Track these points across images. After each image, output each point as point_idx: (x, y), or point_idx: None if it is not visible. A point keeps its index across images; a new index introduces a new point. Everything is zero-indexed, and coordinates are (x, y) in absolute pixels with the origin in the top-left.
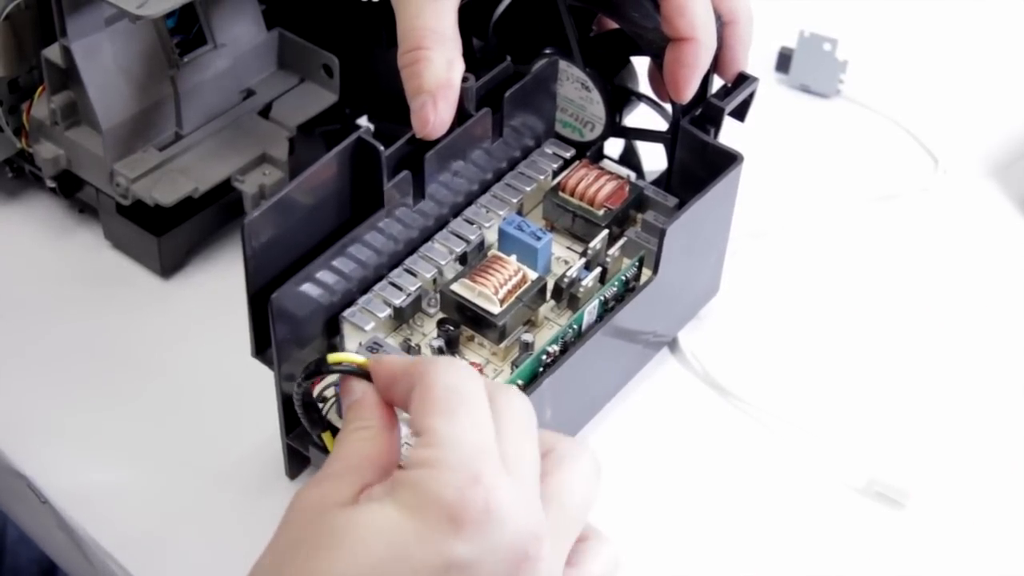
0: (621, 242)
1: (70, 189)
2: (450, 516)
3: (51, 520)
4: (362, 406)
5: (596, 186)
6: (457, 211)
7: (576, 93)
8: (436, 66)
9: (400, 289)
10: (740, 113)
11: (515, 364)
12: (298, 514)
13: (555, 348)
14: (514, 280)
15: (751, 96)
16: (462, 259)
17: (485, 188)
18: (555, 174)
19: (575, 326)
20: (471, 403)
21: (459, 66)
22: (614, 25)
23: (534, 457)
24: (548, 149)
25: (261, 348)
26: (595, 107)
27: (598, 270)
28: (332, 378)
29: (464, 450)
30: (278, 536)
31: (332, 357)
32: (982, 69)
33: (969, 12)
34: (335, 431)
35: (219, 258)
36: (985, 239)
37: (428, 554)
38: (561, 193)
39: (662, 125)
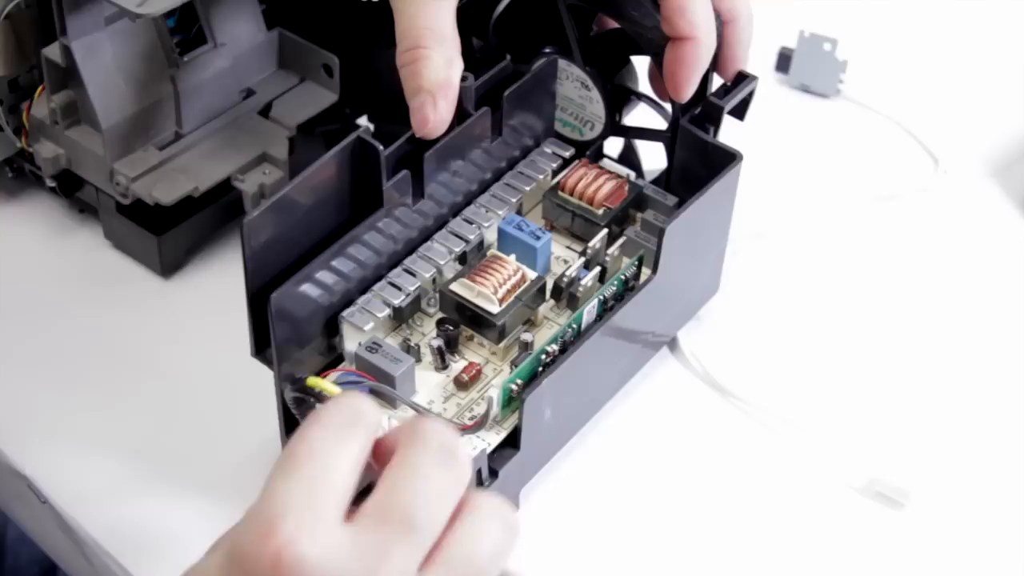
0: (620, 241)
1: (70, 188)
2: (248, 571)
3: (51, 520)
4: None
5: (595, 185)
6: (456, 211)
7: (576, 92)
8: (435, 65)
9: (399, 289)
10: (740, 112)
11: (514, 364)
12: None
13: (554, 347)
14: (513, 280)
15: (751, 95)
16: (461, 259)
17: (484, 188)
18: (554, 173)
19: (574, 325)
20: (314, 460)
21: (458, 65)
22: (614, 24)
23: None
24: (547, 148)
25: (261, 348)
26: (595, 106)
27: (597, 269)
28: (331, 377)
29: (274, 503)
30: None
31: (311, 381)
32: (982, 69)
33: (969, 12)
34: None
35: (219, 258)
36: (985, 239)
37: None
38: (560, 192)
39: (662, 125)
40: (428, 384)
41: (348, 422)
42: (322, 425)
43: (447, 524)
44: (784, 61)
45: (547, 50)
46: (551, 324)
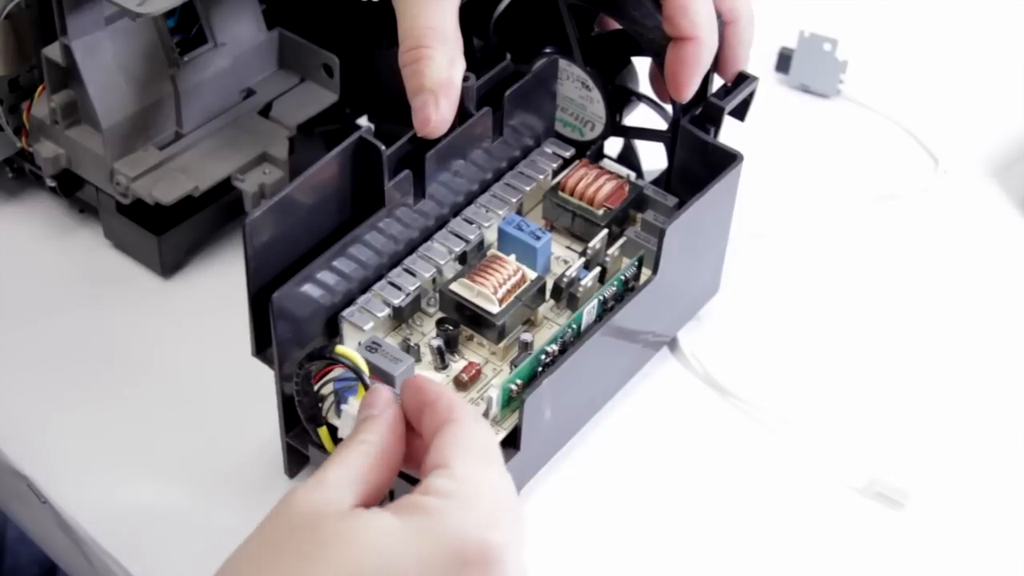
0: (621, 242)
1: (70, 188)
2: (461, 553)
3: (51, 520)
4: (378, 422)
5: (596, 186)
6: (457, 210)
7: (576, 92)
8: (438, 65)
9: (399, 289)
10: (740, 112)
11: (514, 364)
12: (290, 516)
13: (554, 348)
14: (513, 280)
15: (751, 95)
16: (461, 259)
17: (485, 187)
18: (555, 173)
19: (574, 326)
20: (501, 463)
21: (460, 65)
22: (616, 25)
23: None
24: (548, 148)
25: (261, 347)
26: (595, 106)
27: (597, 270)
28: (331, 376)
29: (493, 498)
30: (266, 532)
31: (340, 349)
32: (982, 69)
33: (969, 12)
34: (331, 429)
35: (219, 257)
36: (985, 239)
37: None
38: (561, 193)
39: (662, 125)
40: None
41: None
42: (478, 418)
43: None
44: (784, 61)
45: (548, 50)
46: (551, 324)
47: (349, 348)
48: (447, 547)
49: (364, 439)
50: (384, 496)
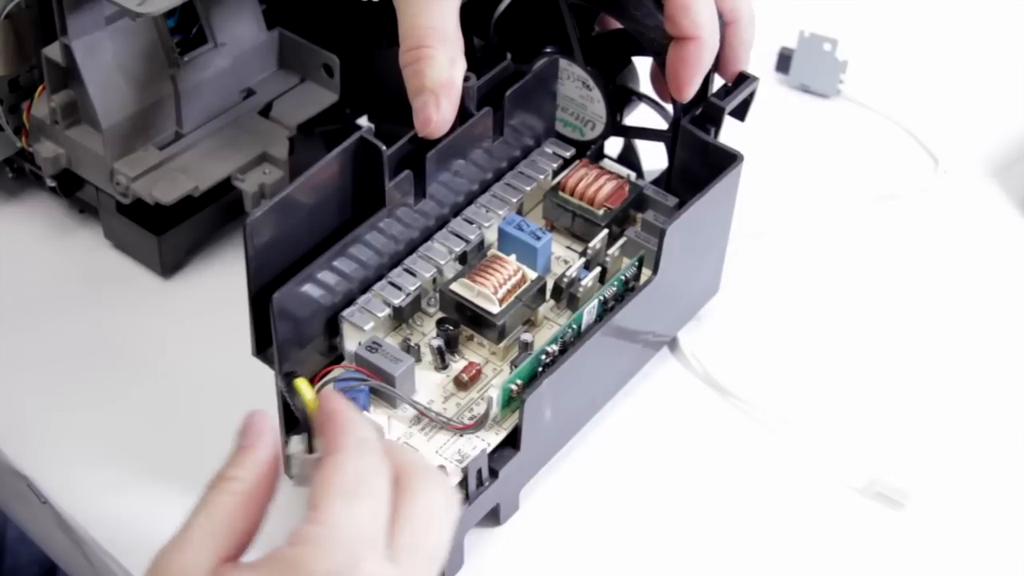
0: (621, 242)
1: (70, 188)
2: None
3: (51, 520)
4: (248, 456)
5: (596, 186)
6: (457, 210)
7: (577, 92)
8: (439, 65)
9: (399, 289)
10: (740, 113)
11: (514, 364)
12: (157, 570)
13: (554, 348)
14: (513, 280)
15: (751, 95)
16: (462, 259)
17: (485, 187)
18: (555, 173)
19: (574, 326)
20: (374, 492)
21: (461, 65)
22: (617, 25)
23: (430, 552)
24: (548, 148)
25: (262, 347)
26: (596, 106)
27: (598, 270)
28: (331, 376)
29: (351, 535)
30: None
31: (298, 383)
32: (982, 69)
33: (969, 12)
34: None
35: (219, 257)
36: (985, 239)
37: None
38: (561, 193)
39: (663, 125)
40: (428, 384)
41: (378, 450)
42: (364, 449)
43: None
44: (784, 61)
45: (548, 50)
46: (551, 324)
47: (305, 384)
48: None
49: (232, 475)
50: (253, 538)
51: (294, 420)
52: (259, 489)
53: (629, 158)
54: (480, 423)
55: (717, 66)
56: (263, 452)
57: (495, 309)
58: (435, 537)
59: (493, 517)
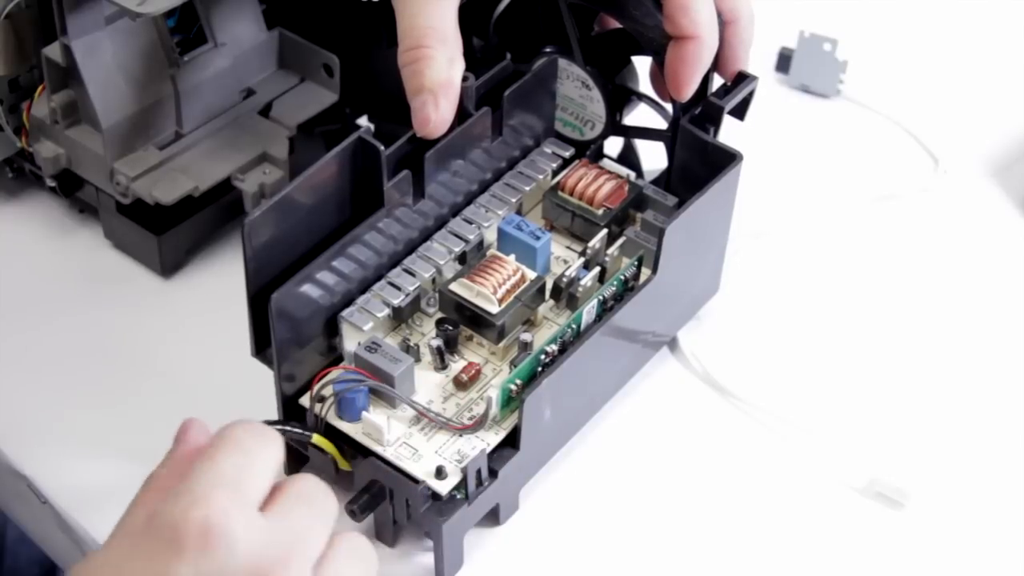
0: (620, 241)
1: (70, 188)
2: (171, 537)
3: (51, 520)
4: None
5: (595, 185)
6: (456, 211)
7: (576, 92)
8: (437, 65)
9: (399, 289)
10: (740, 112)
11: (514, 364)
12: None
13: (554, 348)
14: (513, 280)
15: (751, 95)
16: (461, 259)
17: (484, 187)
18: (554, 173)
19: (574, 326)
20: (237, 449)
21: (460, 65)
22: (616, 24)
23: (299, 529)
24: (547, 148)
25: (261, 348)
26: (595, 106)
27: (597, 269)
28: (329, 378)
29: (203, 480)
30: None
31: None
32: (982, 69)
33: (969, 12)
34: (331, 432)
35: (219, 257)
36: (985, 239)
37: None
38: (560, 192)
39: (662, 125)
40: (427, 384)
41: (265, 432)
42: (244, 428)
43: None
44: (784, 61)
45: (548, 49)
46: (551, 324)
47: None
48: (157, 538)
49: (155, 474)
50: None
51: (295, 419)
52: (167, 476)
53: (628, 158)
54: (480, 423)
55: (716, 65)
56: (181, 448)
57: (494, 309)
58: (304, 516)
59: (493, 517)
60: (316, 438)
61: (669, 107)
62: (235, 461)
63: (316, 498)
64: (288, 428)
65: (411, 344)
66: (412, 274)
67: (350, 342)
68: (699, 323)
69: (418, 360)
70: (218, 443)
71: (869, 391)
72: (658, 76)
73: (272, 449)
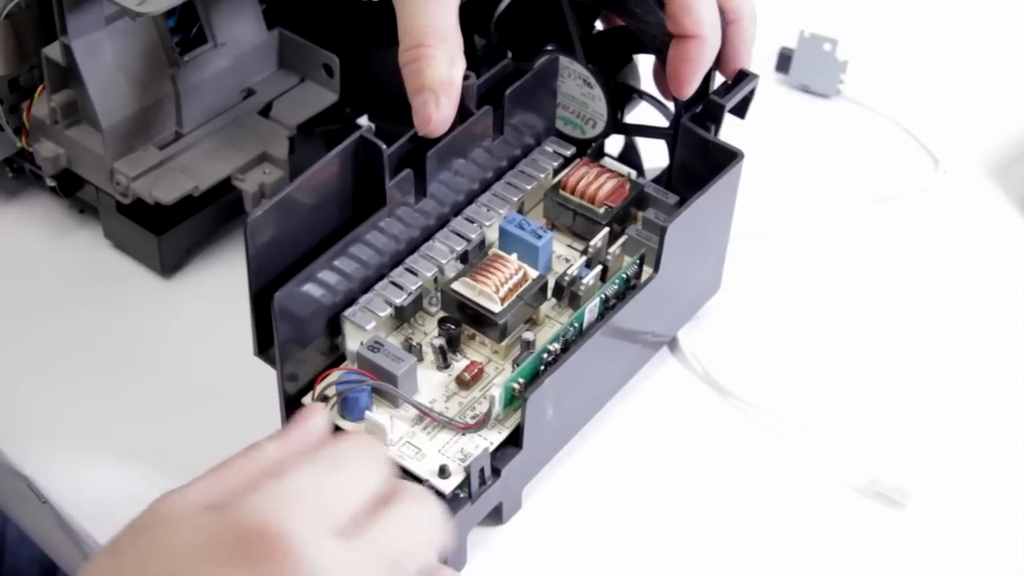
0: (622, 240)
1: (70, 188)
2: (240, 541)
3: (51, 520)
4: (286, 435)
5: (597, 184)
6: (458, 210)
7: (578, 90)
8: (438, 63)
9: (401, 288)
10: (741, 110)
11: (516, 363)
12: (149, 510)
13: (556, 346)
14: (515, 278)
15: (751, 93)
16: (463, 258)
17: (486, 186)
18: (556, 172)
19: (576, 324)
20: (349, 472)
21: (461, 63)
22: (619, 22)
23: (391, 556)
24: (548, 147)
25: (263, 347)
26: (597, 104)
27: (599, 268)
28: (332, 377)
29: (301, 492)
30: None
31: None
32: (982, 69)
33: (969, 12)
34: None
35: (219, 257)
36: (985, 239)
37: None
38: (562, 191)
39: (663, 123)
40: (430, 383)
41: (375, 454)
42: (354, 444)
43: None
44: (784, 61)
45: (549, 47)
46: (553, 323)
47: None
48: (227, 533)
49: (262, 446)
50: None
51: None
52: (274, 452)
53: (630, 156)
54: (482, 422)
55: (718, 64)
56: (298, 433)
57: (497, 308)
58: (401, 545)
59: (496, 516)
60: None
61: (670, 105)
62: (333, 480)
63: (418, 525)
64: None
65: (413, 343)
66: (414, 273)
67: (352, 341)
68: (699, 323)
69: (421, 359)
70: (323, 453)
71: (869, 391)
72: (660, 74)
73: (376, 470)
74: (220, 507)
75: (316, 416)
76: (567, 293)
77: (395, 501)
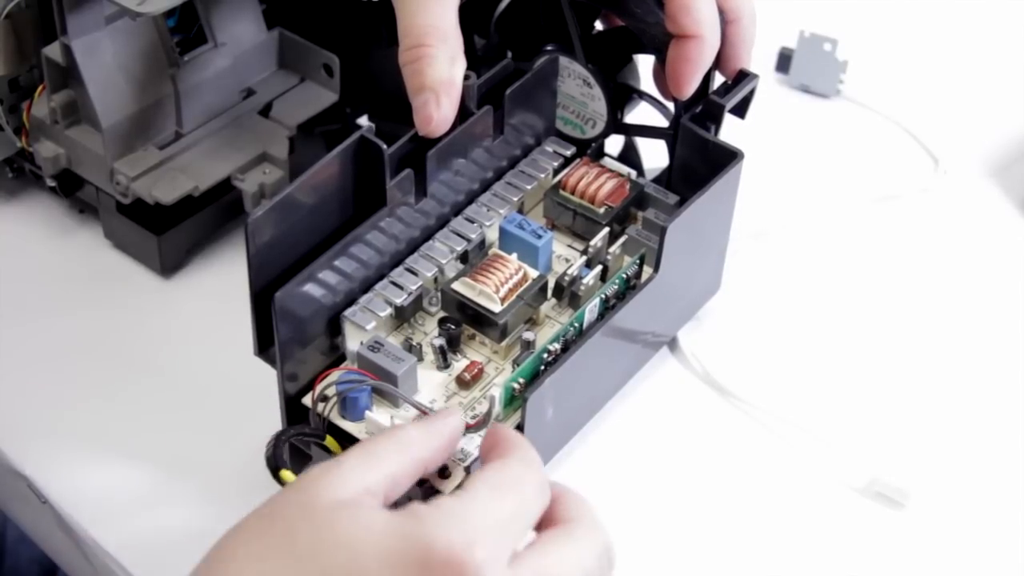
0: (622, 240)
1: (70, 188)
2: (423, 561)
3: (51, 520)
4: (431, 421)
5: (597, 184)
6: (458, 209)
7: (578, 90)
8: (439, 63)
9: (401, 288)
10: (740, 110)
11: (516, 363)
12: (298, 490)
13: (556, 346)
14: (515, 278)
15: (751, 93)
16: (463, 258)
17: (486, 186)
18: (556, 172)
19: (576, 324)
20: (524, 498)
21: (461, 63)
22: (618, 22)
23: None
24: (549, 147)
25: (264, 347)
26: (597, 104)
27: (599, 268)
28: (332, 377)
29: (481, 520)
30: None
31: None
32: (982, 69)
33: (969, 12)
34: (336, 432)
35: (219, 257)
36: (985, 239)
37: None
38: (562, 191)
39: (663, 124)
40: (430, 383)
41: (545, 480)
42: (529, 466)
43: None
44: (784, 61)
45: (549, 48)
46: (553, 323)
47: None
48: (412, 550)
49: (405, 428)
50: (404, 488)
51: (296, 419)
52: (422, 448)
53: (629, 156)
54: (482, 422)
55: (718, 64)
56: (441, 426)
57: (497, 308)
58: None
59: None
60: (328, 440)
61: (670, 105)
62: (513, 507)
63: (583, 560)
64: (304, 433)
65: (414, 343)
66: (414, 273)
67: (353, 341)
68: (699, 323)
69: (421, 359)
70: (497, 477)
71: (869, 391)
72: (660, 75)
73: (544, 501)
74: (402, 515)
75: (455, 414)
76: (567, 293)
77: (565, 529)
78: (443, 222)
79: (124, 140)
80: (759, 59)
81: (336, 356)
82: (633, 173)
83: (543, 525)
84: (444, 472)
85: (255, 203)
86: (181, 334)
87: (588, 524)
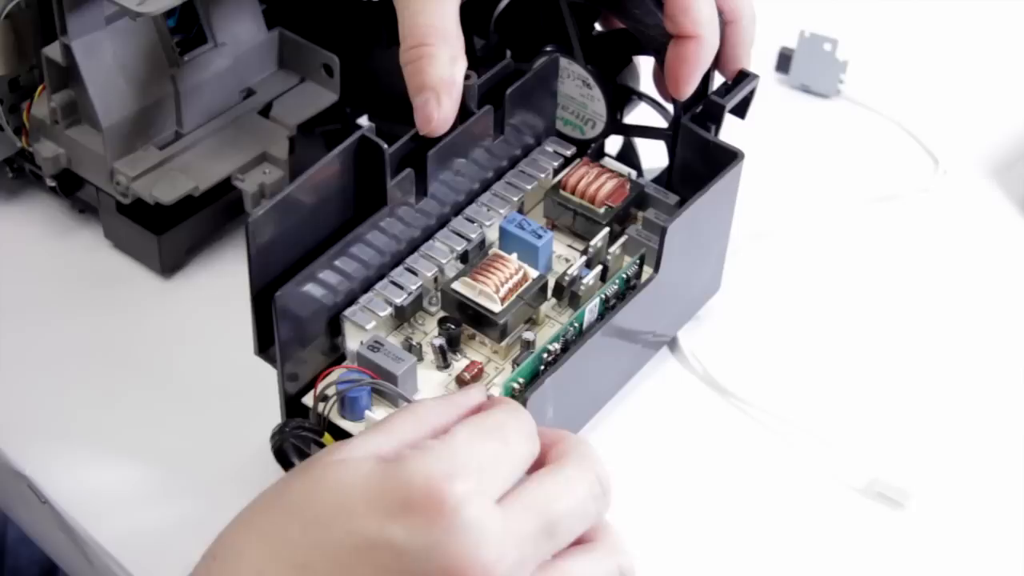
0: (622, 240)
1: (70, 188)
2: (404, 497)
3: (51, 520)
4: (448, 398)
5: (597, 184)
6: (458, 209)
7: (577, 91)
8: (440, 63)
9: (401, 288)
10: (741, 111)
11: (516, 362)
12: (314, 458)
13: (556, 346)
14: (515, 278)
15: (751, 93)
16: (463, 257)
17: (486, 186)
18: (556, 172)
19: (576, 324)
20: (507, 441)
21: (462, 63)
22: (618, 24)
23: (547, 523)
24: (549, 147)
25: (264, 347)
26: (596, 104)
27: (599, 268)
28: (332, 377)
29: (465, 458)
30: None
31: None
32: (982, 69)
33: (969, 12)
34: (335, 432)
35: (219, 257)
36: (985, 239)
37: (366, 524)
38: (562, 191)
39: (662, 124)
40: (430, 383)
41: (532, 428)
42: (513, 414)
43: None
44: (784, 61)
45: (548, 48)
46: (553, 323)
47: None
48: (395, 488)
49: (421, 401)
50: None
51: (295, 413)
52: (440, 416)
53: (629, 156)
54: None
55: (717, 64)
56: (461, 399)
57: (497, 308)
58: (558, 509)
59: None
60: (327, 438)
61: (670, 106)
62: (495, 448)
63: (574, 491)
64: (304, 427)
65: (414, 343)
66: (414, 273)
67: (353, 341)
68: (699, 323)
69: (421, 359)
70: (484, 421)
71: (869, 391)
72: (659, 76)
73: (531, 447)
74: (388, 459)
75: (476, 389)
76: (567, 293)
77: (556, 465)
78: (443, 222)
79: (124, 140)
80: (759, 59)
81: (336, 356)
82: (633, 173)
83: (536, 470)
84: None
85: (255, 203)
86: (181, 334)
87: (577, 457)
